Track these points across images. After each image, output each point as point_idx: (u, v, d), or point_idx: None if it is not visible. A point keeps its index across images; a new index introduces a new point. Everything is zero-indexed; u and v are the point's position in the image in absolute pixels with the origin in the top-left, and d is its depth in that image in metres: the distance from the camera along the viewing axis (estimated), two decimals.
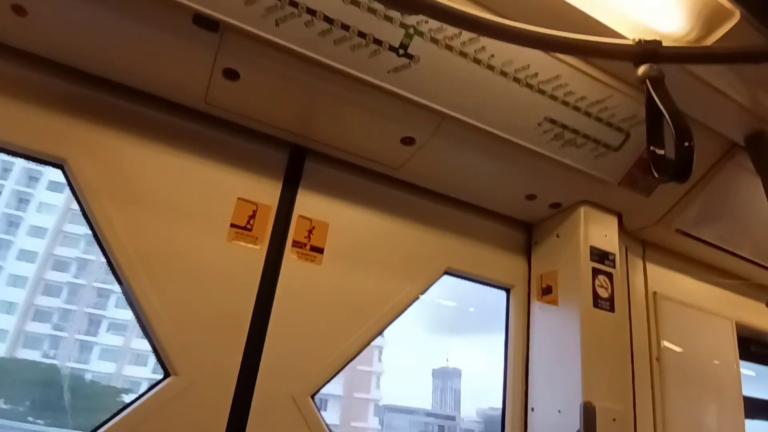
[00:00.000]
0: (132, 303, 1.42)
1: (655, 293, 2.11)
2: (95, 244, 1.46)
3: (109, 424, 1.32)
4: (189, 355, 1.41)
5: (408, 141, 1.61)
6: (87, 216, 1.44)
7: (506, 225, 2.05)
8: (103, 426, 1.31)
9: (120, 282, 1.43)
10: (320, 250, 1.67)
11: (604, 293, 1.82)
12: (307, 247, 1.65)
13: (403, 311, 1.75)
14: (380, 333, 1.69)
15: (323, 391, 1.60)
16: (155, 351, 1.41)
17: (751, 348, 2.52)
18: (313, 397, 1.53)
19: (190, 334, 1.43)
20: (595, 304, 1.78)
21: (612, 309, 1.82)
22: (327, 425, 1.54)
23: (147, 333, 1.41)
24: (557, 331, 1.83)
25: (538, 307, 1.95)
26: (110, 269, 1.43)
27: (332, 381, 1.62)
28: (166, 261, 1.46)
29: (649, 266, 2.16)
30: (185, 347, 1.42)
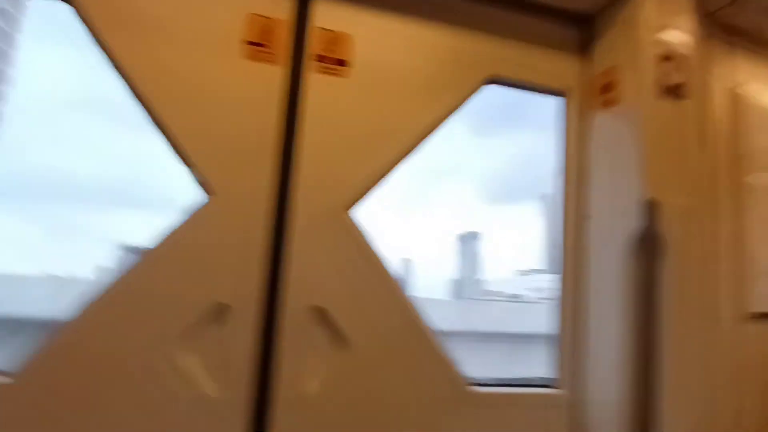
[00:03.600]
0: (161, 129, 1.45)
1: (735, 87, 1.86)
2: None
3: (155, 247, 1.41)
4: (223, 176, 1.46)
5: None
6: (104, 49, 1.44)
7: (558, 21, 1.84)
8: (144, 253, 1.41)
9: (147, 110, 1.45)
10: (345, 63, 1.59)
11: (673, 79, 1.62)
12: (331, 60, 1.58)
13: (440, 124, 1.67)
14: (416, 147, 1.64)
15: None
16: (191, 173, 1.46)
17: None
18: (350, 211, 1.55)
19: (221, 155, 1.46)
20: (662, 93, 1.60)
21: (682, 97, 1.63)
22: (368, 238, 1.57)
23: (181, 156, 1.45)
24: (619, 131, 1.69)
25: (596, 112, 1.79)
26: (135, 99, 1.45)
27: None
28: (185, 85, 1.46)
29: (733, 57, 1.88)
30: (218, 168, 1.46)
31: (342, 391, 1.50)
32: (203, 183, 1.46)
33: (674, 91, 1.64)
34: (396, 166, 1.60)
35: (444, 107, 1.67)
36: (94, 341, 1.34)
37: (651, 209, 1.53)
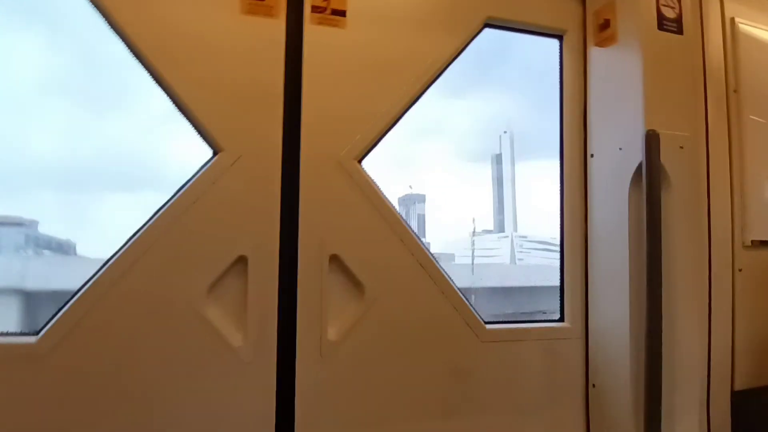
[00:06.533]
0: (165, 88, 1.48)
1: (732, 19, 1.90)
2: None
3: (167, 206, 1.46)
4: (231, 130, 1.50)
5: None
6: (100, 10, 1.45)
7: None
8: (162, 209, 1.46)
9: (149, 70, 1.47)
10: (342, 13, 1.61)
11: (670, 13, 1.67)
12: (328, 11, 1.60)
13: (442, 70, 1.71)
14: (420, 95, 1.68)
15: None
16: (198, 130, 1.49)
17: None
18: (360, 161, 1.60)
19: (227, 110, 1.50)
20: (660, 26, 1.65)
21: (680, 31, 1.68)
22: (379, 188, 1.63)
23: (186, 114, 1.48)
24: (617, 67, 1.74)
25: (595, 51, 1.83)
26: (136, 59, 1.47)
27: None
28: (185, 43, 1.48)
29: None
30: (225, 123, 1.49)
31: (362, 337, 1.59)
32: (210, 140, 1.50)
33: (672, 24, 1.68)
34: (401, 115, 1.65)
35: (445, 51, 1.70)
36: (119, 302, 1.40)
37: (651, 142, 1.59)
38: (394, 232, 1.62)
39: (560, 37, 1.89)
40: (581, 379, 1.82)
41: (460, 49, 1.73)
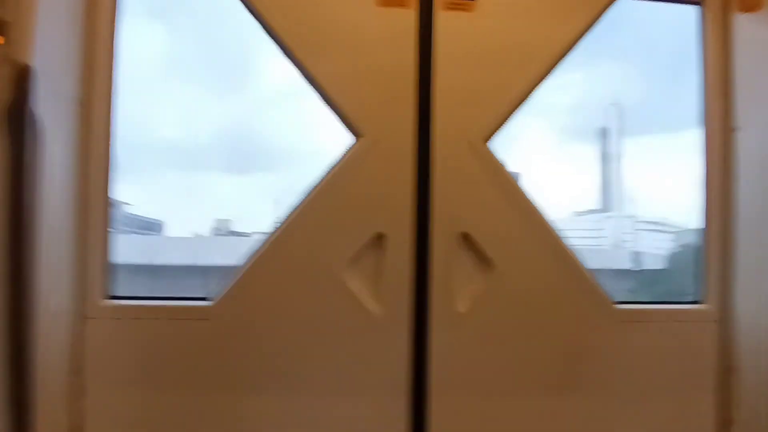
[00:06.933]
0: (307, 77, 1.63)
1: None
2: None
3: (316, 188, 1.62)
4: (369, 117, 1.62)
5: None
6: (248, 8, 1.62)
7: None
8: (309, 194, 1.62)
9: (291, 60, 1.63)
10: None
11: None
12: None
13: (571, 48, 1.70)
14: (548, 74, 1.69)
15: None
16: (340, 118, 1.63)
17: None
18: (489, 142, 1.66)
19: (366, 98, 1.62)
20: None
21: None
22: (508, 169, 1.67)
23: (329, 102, 1.63)
24: (766, 34, 1.62)
25: (739, 19, 1.72)
26: (280, 50, 1.63)
27: None
28: (325, 32, 1.62)
29: None
30: (365, 111, 1.62)
31: (491, 311, 1.66)
32: (352, 127, 1.63)
33: None
34: (530, 94, 1.67)
35: (575, 28, 1.69)
36: (277, 272, 1.60)
37: None
38: (523, 211, 1.66)
39: (699, 4, 1.79)
40: (715, 362, 1.74)
41: (591, 25, 1.71)
